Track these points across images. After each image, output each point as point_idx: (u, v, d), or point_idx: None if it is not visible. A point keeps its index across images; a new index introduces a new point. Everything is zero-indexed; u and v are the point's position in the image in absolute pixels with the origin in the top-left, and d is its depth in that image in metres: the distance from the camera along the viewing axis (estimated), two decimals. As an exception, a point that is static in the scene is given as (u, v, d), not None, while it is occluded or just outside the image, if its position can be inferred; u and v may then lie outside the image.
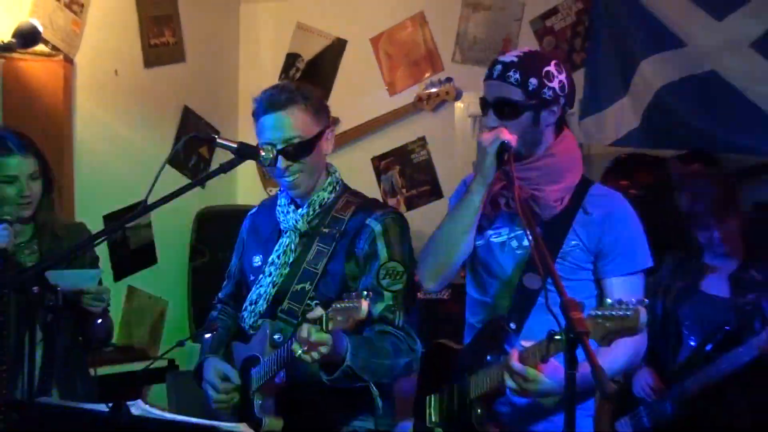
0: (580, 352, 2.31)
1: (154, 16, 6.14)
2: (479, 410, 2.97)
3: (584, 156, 5.63)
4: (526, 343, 2.74)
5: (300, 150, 3.17)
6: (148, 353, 5.55)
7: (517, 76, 2.90)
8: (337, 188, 3.33)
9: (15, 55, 5.13)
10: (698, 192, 4.05)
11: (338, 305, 2.79)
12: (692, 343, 4.05)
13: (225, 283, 3.60)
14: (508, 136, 2.85)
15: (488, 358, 2.97)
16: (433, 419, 3.14)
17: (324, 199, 3.28)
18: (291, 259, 3.28)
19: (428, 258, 3.08)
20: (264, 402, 3.20)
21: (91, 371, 3.83)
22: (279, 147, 3.15)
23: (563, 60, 5.95)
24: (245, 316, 3.35)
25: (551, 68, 2.94)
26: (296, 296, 3.22)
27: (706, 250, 4.11)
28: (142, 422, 2.37)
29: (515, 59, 2.93)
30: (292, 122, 3.16)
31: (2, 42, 5.07)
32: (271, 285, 3.29)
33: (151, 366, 5.31)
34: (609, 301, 2.48)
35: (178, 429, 2.43)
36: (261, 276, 3.34)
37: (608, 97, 5.27)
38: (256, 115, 3.23)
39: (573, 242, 2.98)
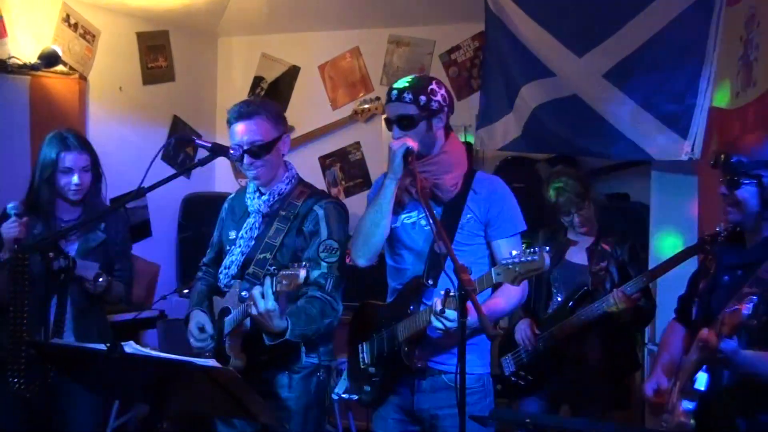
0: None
1: (151, 45, 6.09)
2: (406, 348, 2.95)
3: (479, 157, 5.72)
4: (446, 291, 2.76)
5: (261, 150, 3.15)
6: (144, 306, 5.46)
7: (410, 96, 2.93)
8: (293, 181, 3.31)
9: (40, 73, 5.14)
10: (560, 188, 4.06)
11: (284, 272, 2.81)
12: (559, 299, 4.03)
13: (208, 251, 3.53)
14: (412, 143, 2.87)
15: (411, 308, 2.98)
16: (366, 361, 3.10)
17: (282, 189, 3.26)
18: (255, 234, 3.25)
19: (357, 240, 3.05)
20: (233, 343, 3.16)
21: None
22: (245, 147, 3.13)
23: (464, 85, 6.00)
24: (221, 278, 3.31)
25: (434, 86, 2.98)
26: (259, 263, 3.19)
27: (569, 229, 4.13)
28: (133, 358, 2.32)
29: (407, 84, 2.97)
30: (256, 129, 3.15)
31: (30, 63, 4.99)
32: (240, 254, 3.26)
33: (147, 315, 5.26)
34: (513, 252, 2.54)
35: (160, 363, 2.38)
36: (233, 247, 3.30)
37: (497, 113, 5.26)
38: (229, 122, 3.20)
39: (468, 216, 3.01)
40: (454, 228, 2.95)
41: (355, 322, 3.25)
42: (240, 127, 3.15)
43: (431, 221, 2.70)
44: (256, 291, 2.87)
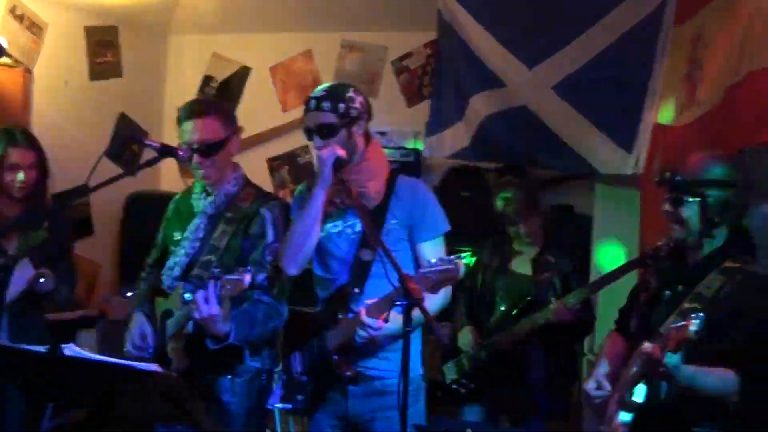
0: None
1: (99, 40, 5.97)
2: (336, 357, 2.96)
3: (428, 165, 5.73)
4: (369, 302, 2.82)
5: (211, 149, 3.11)
6: (84, 305, 5.36)
7: (329, 104, 2.91)
8: (240, 182, 3.27)
9: (-17, 65, 4.94)
10: (508, 198, 4.09)
11: (228, 276, 2.81)
12: (502, 308, 4.06)
13: (153, 251, 3.48)
14: (341, 152, 2.87)
15: (339, 316, 2.98)
16: (299, 370, 3.09)
17: (229, 190, 3.23)
18: (201, 236, 3.21)
19: (288, 250, 3.03)
20: (175, 345, 3.13)
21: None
22: (195, 146, 3.09)
23: (415, 93, 6.02)
24: (164, 279, 3.26)
25: (351, 93, 2.98)
26: (204, 265, 3.16)
27: (515, 239, 4.16)
28: (73, 361, 2.27)
29: (324, 93, 2.95)
30: (205, 128, 3.11)
31: (-27, 55, 4.89)
32: (185, 255, 3.21)
33: (86, 315, 5.16)
34: (433, 260, 2.56)
35: (101, 367, 2.33)
36: (177, 248, 3.25)
37: (447, 122, 5.28)
38: (179, 120, 3.16)
39: (392, 221, 3.02)
40: (380, 234, 2.95)
41: (286, 332, 3.23)
42: (190, 125, 3.12)
43: (367, 229, 2.74)
44: (200, 295, 2.84)
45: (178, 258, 3.23)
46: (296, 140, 6.26)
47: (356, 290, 2.98)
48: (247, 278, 2.74)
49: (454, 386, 4.08)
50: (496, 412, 4.15)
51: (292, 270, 3.04)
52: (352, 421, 3.06)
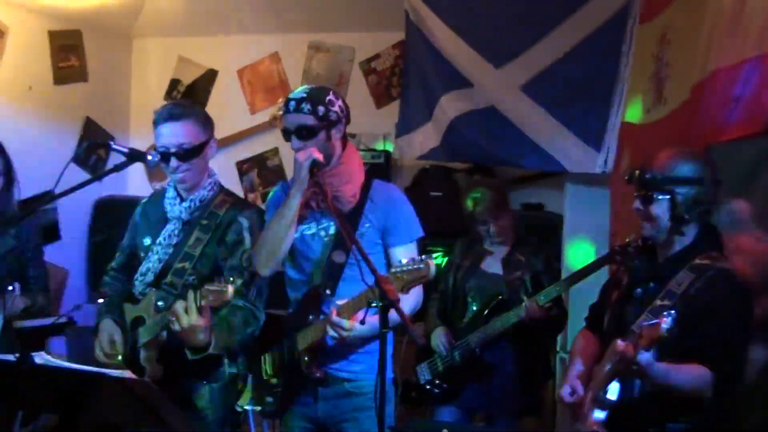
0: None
1: (63, 45, 5.92)
2: (306, 358, 2.95)
3: (398, 166, 5.74)
4: (341, 302, 2.81)
5: (189, 153, 3.08)
6: (51, 311, 5.29)
7: (309, 106, 2.91)
8: (215, 188, 3.23)
9: (-56, 70, 4.87)
10: (477, 198, 4.09)
11: (210, 287, 2.75)
12: (474, 308, 4.06)
13: (117, 255, 3.41)
14: (318, 155, 2.86)
15: (310, 317, 2.98)
16: (269, 372, 3.07)
17: (204, 196, 3.18)
18: (174, 242, 3.16)
19: (261, 250, 3.00)
20: (147, 354, 3.08)
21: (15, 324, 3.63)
22: (172, 150, 3.05)
23: (383, 94, 6.02)
24: (136, 285, 3.19)
25: (331, 97, 2.97)
26: (178, 272, 3.11)
27: (485, 238, 4.17)
28: (44, 369, 2.24)
29: (304, 95, 2.94)
30: (184, 131, 3.07)
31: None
32: (157, 261, 3.15)
33: (55, 322, 5.08)
34: (403, 260, 2.57)
35: (73, 375, 2.30)
36: (150, 253, 3.19)
37: (416, 123, 5.31)
38: (156, 123, 3.10)
39: (366, 225, 3.02)
40: (347, 237, 2.91)
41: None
42: (168, 128, 3.07)
43: (341, 228, 2.71)
44: (179, 306, 2.80)
45: (150, 264, 3.17)
46: (265, 143, 6.26)
47: (328, 292, 2.98)
48: (231, 290, 2.71)
49: (428, 387, 4.08)
50: (471, 411, 4.16)
51: (266, 271, 3.02)
52: (321, 423, 3.06)
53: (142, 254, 3.24)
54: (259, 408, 3.17)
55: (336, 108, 2.95)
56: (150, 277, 3.15)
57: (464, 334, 3.99)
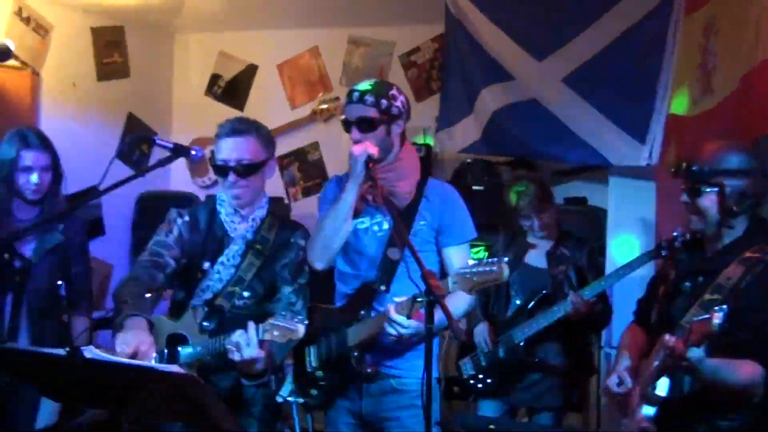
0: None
1: (106, 41, 5.99)
2: (356, 353, 2.94)
3: (438, 160, 5.72)
4: (399, 300, 2.79)
5: (248, 170, 3.03)
6: (96, 306, 5.36)
7: (372, 98, 2.91)
8: (268, 207, 3.18)
9: (-9, 67, 4.97)
10: (521, 191, 4.06)
11: (276, 322, 2.72)
12: (518, 302, 4.05)
13: (152, 247, 3.19)
14: (372, 149, 2.85)
15: (362, 313, 2.96)
16: (313, 365, 3.05)
17: (262, 215, 3.13)
18: (237, 263, 3.07)
19: (316, 244, 3.00)
20: (189, 371, 3.06)
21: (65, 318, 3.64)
22: (232, 165, 3.01)
23: (423, 87, 6.00)
24: (195, 300, 3.09)
25: (394, 92, 2.98)
26: (227, 296, 3.05)
27: (529, 232, 4.15)
28: (93, 364, 2.26)
29: (369, 87, 2.95)
30: (245, 147, 3.03)
31: (-20, 57, 4.89)
32: (219, 281, 3.07)
33: (100, 316, 5.15)
34: (470, 261, 2.54)
35: (122, 369, 2.32)
36: (212, 272, 3.08)
37: (457, 116, 5.28)
38: (219, 136, 3.07)
39: (421, 222, 3.01)
40: (408, 234, 2.92)
41: None
42: (230, 143, 3.03)
43: (397, 227, 2.71)
44: (241, 338, 2.74)
45: (211, 282, 3.09)
46: (305, 137, 6.28)
47: (382, 288, 2.96)
48: (301, 330, 2.68)
49: (471, 382, 4.07)
50: (514, 406, 4.15)
51: (320, 264, 3.01)
52: (366, 420, 3.05)
53: (199, 275, 3.12)
54: (302, 400, 3.17)
55: (398, 103, 2.95)
56: (208, 296, 3.07)
57: (507, 329, 3.97)
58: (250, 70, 6.48)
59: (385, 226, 3.02)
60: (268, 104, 6.31)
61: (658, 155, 4.17)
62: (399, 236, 2.74)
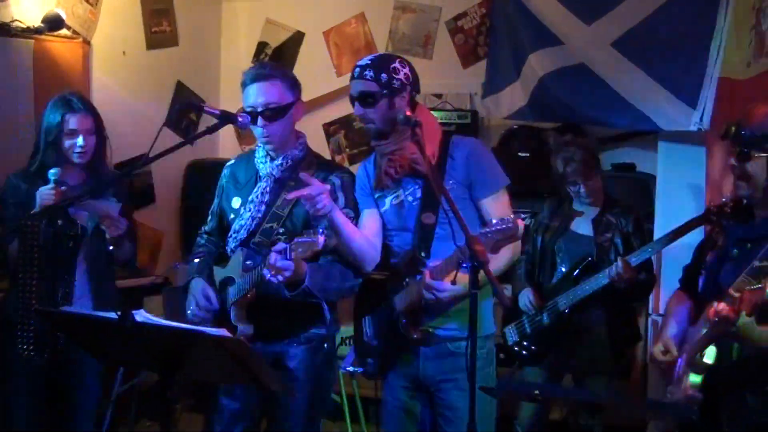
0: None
1: (155, 9, 6.02)
2: (404, 320, 2.97)
3: (485, 126, 5.69)
4: (434, 263, 2.84)
5: (276, 113, 3.11)
6: (148, 272, 5.46)
7: (372, 73, 2.93)
8: (305, 149, 3.27)
9: (43, 37, 5.06)
10: (568, 157, 4.03)
11: (299, 239, 2.77)
12: (563, 270, 4.03)
13: (209, 219, 3.49)
14: (321, 238, 2.79)
15: (406, 280, 2.99)
16: (369, 334, 3.13)
17: (295, 155, 3.22)
18: (266, 200, 3.21)
19: (353, 260, 3.06)
20: (238, 312, 3.16)
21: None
22: (259, 110, 3.09)
23: (470, 53, 5.95)
24: (229, 242, 3.27)
25: (396, 65, 2.96)
26: (266, 232, 3.17)
27: (575, 199, 4.11)
28: (144, 327, 2.31)
29: (369, 62, 2.96)
30: (271, 91, 3.11)
31: (34, 27, 4.95)
32: (250, 219, 3.21)
33: (152, 282, 5.26)
34: (493, 220, 2.62)
35: (172, 333, 2.37)
36: (242, 211, 3.24)
37: (504, 82, 5.23)
38: (244, 84, 3.15)
39: (450, 182, 3.01)
40: (439, 197, 2.91)
41: (359, 297, 3.25)
42: (255, 88, 3.11)
43: (435, 185, 2.71)
44: (274, 258, 2.83)
45: (243, 221, 3.23)
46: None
47: (422, 254, 2.98)
48: (321, 239, 2.72)
49: (515, 348, 4.08)
50: (558, 373, 4.14)
51: (368, 268, 3.10)
52: (423, 383, 3.09)
53: (232, 215, 3.30)
54: (361, 369, 3.23)
55: (401, 75, 2.94)
56: (243, 234, 3.21)
57: (552, 296, 3.97)
58: (297, 38, 6.48)
59: (419, 193, 3.02)
60: (314, 71, 6.29)
61: (709, 120, 4.09)
62: (438, 192, 2.73)
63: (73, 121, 3.43)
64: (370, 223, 3.13)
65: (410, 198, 3.05)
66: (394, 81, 2.92)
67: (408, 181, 3.03)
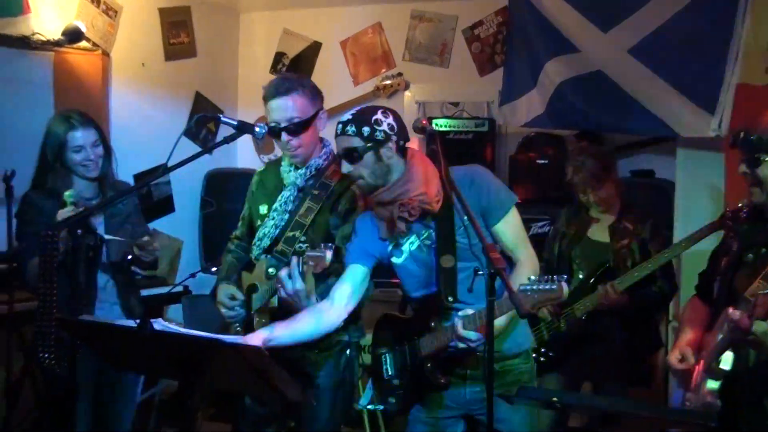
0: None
1: (173, 21, 6.10)
2: (429, 364, 2.92)
3: (502, 134, 5.71)
4: (465, 314, 2.72)
5: (299, 127, 3.14)
6: (167, 281, 5.51)
7: (353, 128, 2.82)
8: (329, 157, 3.28)
9: (63, 49, 5.15)
10: (578, 166, 4.02)
11: (311, 253, 2.79)
12: (580, 276, 4.04)
13: (239, 224, 3.54)
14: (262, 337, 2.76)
15: (432, 323, 2.92)
16: (390, 373, 3.06)
17: (319, 164, 3.25)
18: (290, 208, 3.24)
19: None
20: (260, 319, 3.19)
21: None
22: (283, 125, 3.12)
23: (487, 61, 5.97)
24: (254, 250, 3.31)
25: (378, 116, 2.84)
26: (288, 240, 3.20)
27: (590, 206, 4.12)
28: (163, 335, 2.34)
29: (350, 117, 2.86)
30: (293, 105, 3.14)
31: (54, 39, 5.02)
32: (273, 227, 3.26)
33: (172, 291, 5.29)
34: (532, 278, 2.52)
35: (190, 341, 2.40)
36: (267, 219, 3.29)
37: (521, 90, 5.24)
38: (266, 98, 3.17)
39: (465, 218, 2.83)
40: (455, 230, 2.86)
41: (377, 333, 3.17)
42: (277, 103, 3.13)
43: (464, 207, 2.61)
44: (284, 273, 2.85)
45: (267, 229, 3.27)
46: (369, 114, 6.29)
47: (450, 299, 2.86)
48: (329, 255, 2.73)
49: (533, 355, 4.06)
50: (577, 380, 4.14)
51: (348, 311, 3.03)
52: (469, 407, 3.01)
53: (258, 222, 3.34)
54: (381, 407, 3.20)
55: (384, 126, 2.83)
56: (266, 242, 3.26)
57: (570, 303, 3.96)
58: (314, 47, 6.54)
59: (433, 235, 2.92)
60: (331, 81, 6.33)
61: (727, 126, 4.08)
62: (471, 220, 2.64)
63: (77, 137, 3.50)
64: (350, 281, 3.00)
65: (428, 242, 2.94)
66: (377, 133, 2.81)
67: (419, 227, 2.94)
